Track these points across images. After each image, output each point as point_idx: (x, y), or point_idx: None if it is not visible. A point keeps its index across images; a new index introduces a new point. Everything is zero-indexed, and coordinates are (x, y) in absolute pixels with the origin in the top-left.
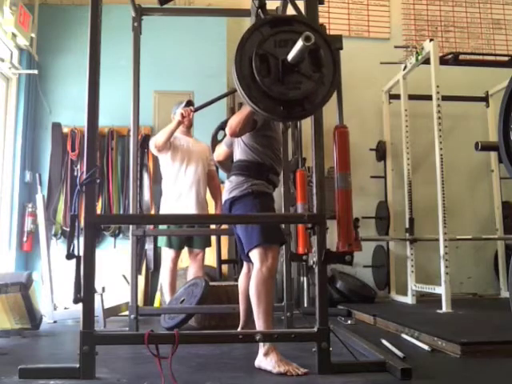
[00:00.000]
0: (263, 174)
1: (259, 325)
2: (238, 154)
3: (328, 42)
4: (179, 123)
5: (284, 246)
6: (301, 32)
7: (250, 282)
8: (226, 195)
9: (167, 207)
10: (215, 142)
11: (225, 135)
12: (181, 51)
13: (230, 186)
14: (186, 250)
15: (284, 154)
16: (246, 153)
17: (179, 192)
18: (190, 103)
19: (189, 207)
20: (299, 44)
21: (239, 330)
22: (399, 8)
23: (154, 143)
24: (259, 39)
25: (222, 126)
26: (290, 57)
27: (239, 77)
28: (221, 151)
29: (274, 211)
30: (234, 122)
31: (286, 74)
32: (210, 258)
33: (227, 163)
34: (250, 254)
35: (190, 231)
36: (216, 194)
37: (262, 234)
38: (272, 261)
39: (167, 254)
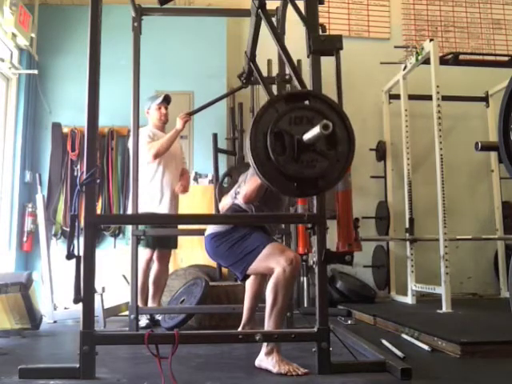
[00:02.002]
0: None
1: (269, 325)
2: (239, 199)
3: (344, 118)
4: (179, 132)
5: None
6: (316, 110)
7: (270, 280)
8: (210, 230)
9: (147, 208)
10: (221, 189)
11: (229, 181)
12: (181, 51)
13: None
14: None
15: None
16: (247, 205)
17: (158, 192)
18: (167, 98)
19: (166, 207)
20: (316, 130)
21: (240, 329)
22: (399, 8)
23: (154, 152)
24: (274, 117)
25: (229, 173)
26: (305, 138)
27: (253, 154)
28: (226, 204)
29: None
30: (250, 190)
31: (301, 152)
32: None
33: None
34: (263, 262)
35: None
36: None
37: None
38: (295, 259)
39: (142, 254)
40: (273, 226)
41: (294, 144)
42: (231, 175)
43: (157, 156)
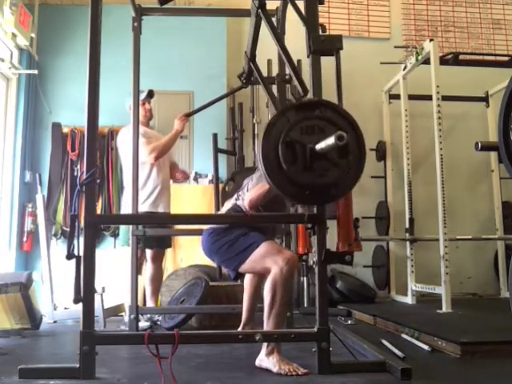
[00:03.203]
0: (249, 228)
1: (268, 325)
2: (241, 201)
3: (355, 127)
4: (179, 133)
5: (284, 246)
6: (327, 119)
7: (267, 279)
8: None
9: (143, 207)
10: (225, 193)
11: (232, 185)
12: (181, 51)
13: None
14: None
15: None
16: (250, 210)
17: (154, 191)
18: (150, 93)
19: (163, 207)
20: (331, 141)
21: (240, 329)
22: (399, 8)
23: (156, 154)
24: (286, 127)
25: (232, 178)
26: (318, 147)
27: (265, 163)
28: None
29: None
30: (255, 197)
31: (313, 161)
32: None
33: None
34: (258, 262)
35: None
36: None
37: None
38: (292, 259)
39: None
40: (274, 230)
41: (306, 153)
42: (234, 180)
43: (158, 158)
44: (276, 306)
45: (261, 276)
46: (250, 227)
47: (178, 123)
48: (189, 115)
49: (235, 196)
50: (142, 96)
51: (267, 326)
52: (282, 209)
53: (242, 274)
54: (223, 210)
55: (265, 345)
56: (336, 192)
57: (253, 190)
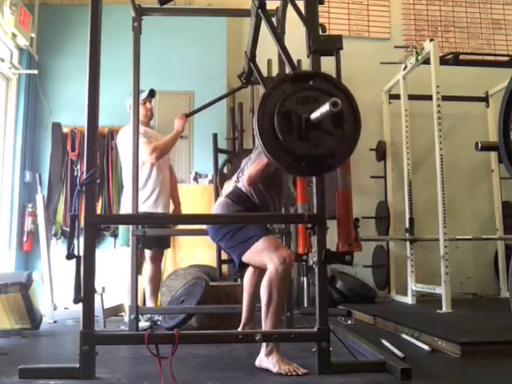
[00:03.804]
0: (252, 211)
1: (266, 325)
2: (241, 183)
3: (349, 97)
4: (180, 133)
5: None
6: (322, 89)
7: (264, 279)
8: (214, 211)
9: (143, 208)
10: (222, 175)
11: (229, 168)
12: (181, 51)
13: (221, 206)
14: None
15: None
16: (248, 189)
17: (154, 192)
18: (152, 93)
19: (161, 207)
20: (325, 108)
21: (239, 329)
22: (399, 8)
23: (158, 154)
24: (281, 97)
25: (229, 160)
26: (313, 116)
27: (261, 134)
28: (228, 190)
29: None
30: (253, 173)
31: (308, 131)
32: (210, 257)
33: None
34: (256, 255)
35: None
36: (174, 193)
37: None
38: (288, 258)
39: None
40: (276, 208)
41: (302, 123)
42: (231, 162)
43: (159, 158)
44: (273, 305)
45: (259, 275)
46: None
47: (178, 123)
48: (189, 115)
49: (235, 178)
50: (144, 95)
51: (265, 325)
52: (279, 189)
53: (246, 265)
54: (223, 192)
55: (264, 345)
56: (332, 162)
57: (251, 165)
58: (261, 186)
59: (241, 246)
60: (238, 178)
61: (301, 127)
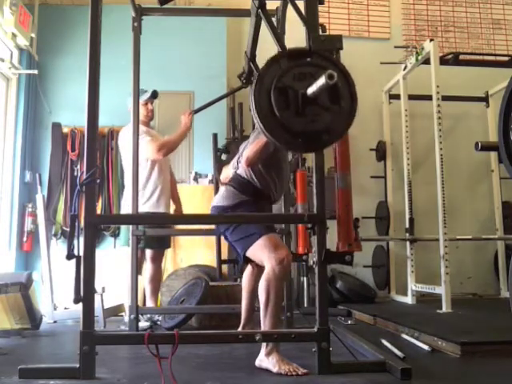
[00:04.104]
0: (256, 197)
1: (265, 325)
2: (240, 169)
3: (346, 74)
4: (188, 130)
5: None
6: (319, 65)
7: (261, 279)
8: (218, 202)
9: (144, 208)
10: (220, 162)
11: (227, 155)
12: (181, 51)
13: (224, 195)
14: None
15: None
16: (248, 173)
17: (155, 191)
18: (154, 94)
19: (163, 207)
20: (321, 81)
21: (239, 329)
22: (399, 8)
23: (165, 150)
24: (278, 73)
25: (226, 149)
26: (309, 91)
27: (258, 110)
28: (228, 174)
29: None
30: (251, 153)
31: (305, 106)
32: (210, 257)
33: None
34: (256, 253)
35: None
36: (174, 193)
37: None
38: (286, 258)
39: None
40: (278, 194)
41: (298, 99)
42: (229, 150)
43: (167, 154)
44: (271, 305)
45: (258, 275)
46: (254, 206)
47: (185, 119)
48: (196, 112)
49: (234, 164)
50: (146, 96)
51: (264, 325)
52: (279, 170)
53: (250, 259)
54: (222, 176)
55: (264, 345)
56: (328, 138)
57: (250, 146)
58: (260, 167)
59: (243, 241)
60: (237, 164)
61: (297, 103)
